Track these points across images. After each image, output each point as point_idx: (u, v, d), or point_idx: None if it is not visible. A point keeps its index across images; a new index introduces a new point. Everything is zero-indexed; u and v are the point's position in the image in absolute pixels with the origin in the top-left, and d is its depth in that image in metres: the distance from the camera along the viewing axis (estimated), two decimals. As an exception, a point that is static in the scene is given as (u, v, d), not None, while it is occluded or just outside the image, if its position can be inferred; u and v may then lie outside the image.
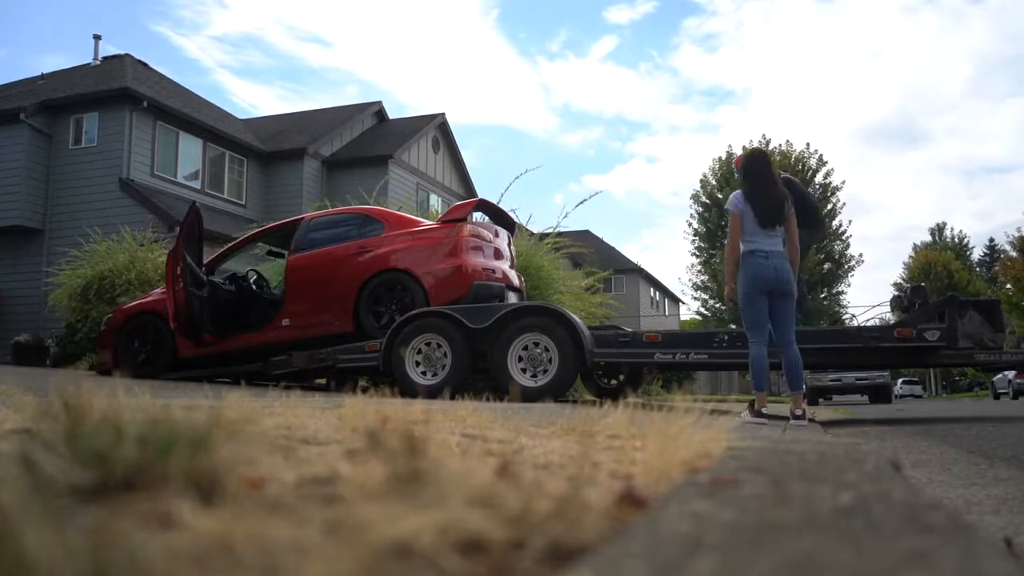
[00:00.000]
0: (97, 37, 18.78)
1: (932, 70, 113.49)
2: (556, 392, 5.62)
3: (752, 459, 1.22)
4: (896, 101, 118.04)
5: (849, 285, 42.25)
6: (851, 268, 31.58)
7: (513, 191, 54.84)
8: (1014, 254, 30.55)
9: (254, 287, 8.13)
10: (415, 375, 5.91)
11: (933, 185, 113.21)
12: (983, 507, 1.84)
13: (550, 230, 12.18)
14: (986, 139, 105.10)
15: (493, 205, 7.73)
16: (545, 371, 5.77)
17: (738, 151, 31.84)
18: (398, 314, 6.31)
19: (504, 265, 7.13)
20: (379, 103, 21.77)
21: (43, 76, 17.70)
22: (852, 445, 1.58)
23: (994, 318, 5.94)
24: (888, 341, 5.77)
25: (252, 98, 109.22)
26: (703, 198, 31.89)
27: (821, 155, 31.72)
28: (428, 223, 7.19)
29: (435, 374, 5.90)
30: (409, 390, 5.62)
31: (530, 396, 5.16)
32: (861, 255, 41.39)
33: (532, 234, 11.79)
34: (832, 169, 32.71)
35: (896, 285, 41.65)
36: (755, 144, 31.89)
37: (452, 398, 4.02)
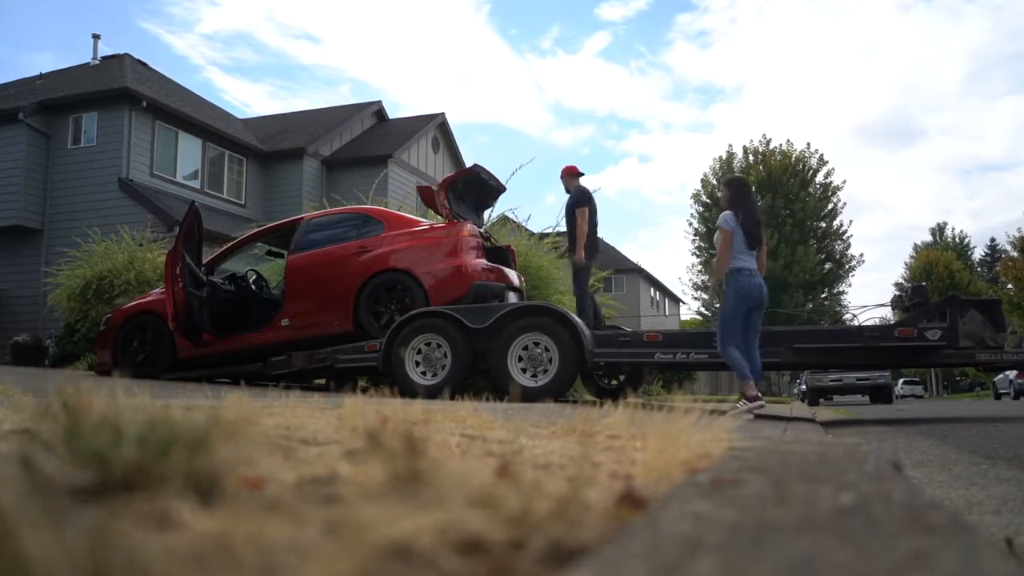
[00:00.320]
0: (96, 36, 18.78)
1: (927, 67, 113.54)
2: (556, 392, 5.62)
3: (753, 459, 1.22)
4: (891, 99, 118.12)
5: (850, 285, 42.25)
6: (852, 268, 31.61)
7: (506, 191, 54.57)
8: (1015, 254, 30.55)
9: (253, 287, 8.13)
10: (415, 375, 5.91)
11: (929, 183, 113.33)
12: (984, 507, 1.84)
13: (550, 230, 12.18)
14: (982, 137, 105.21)
15: (486, 172, 7.28)
16: (545, 371, 5.76)
17: (739, 151, 31.92)
18: (398, 314, 6.31)
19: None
20: (379, 102, 21.78)
21: (41, 76, 17.70)
22: (853, 445, 1.58)
23: (995, 318, 5.93)
24: (889, 341, 5.77)
25: (243, 96, 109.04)
26: (704, 198, 31.89)
27: (822, 155, 31.76)
28: (428, 223, 7.18)
29: (435, 374, 5.90)
30: (409, 390, 5.62)
31: (530, 396, 5.16)
32: (862, 255, 41.43)
33: (532, 234, 11.79)
34: (833, 169, 32.72)
35: (897, 285, 41.69)
36: (756, 144, 31.95)
37: (452, 398, 4.02)
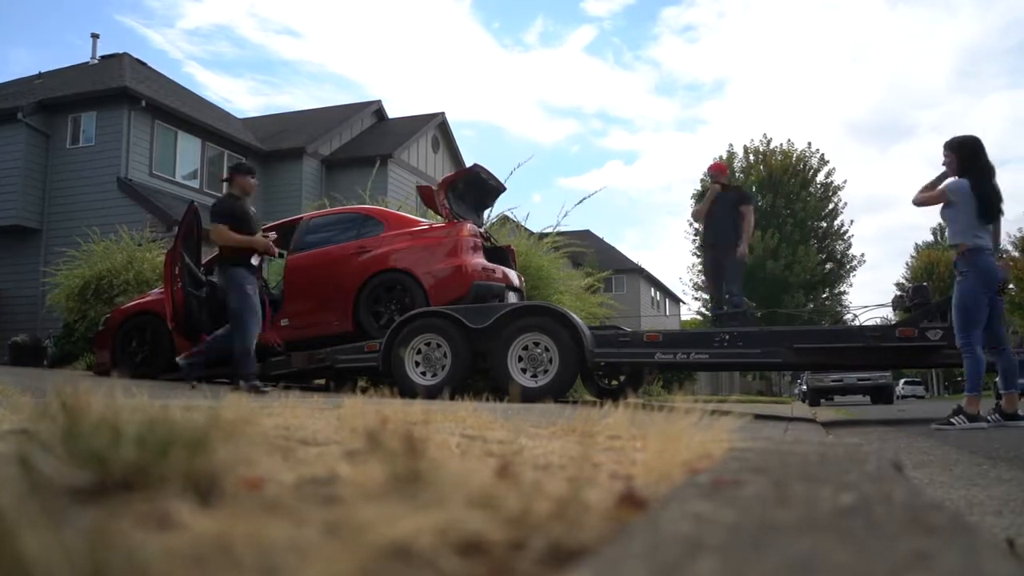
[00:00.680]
0: (95, 36, 18.78)
1: (918, 62, 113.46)
2: (556, 392, 5.62)
3: (753, 460, 1.22)
4: (881, 94, 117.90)
5: (851, 285, 42.22)
6: (853, 268, 31.59)
7: (506, 190, 54.54)
8: (1016, 254, 30.56)
9: (253, 287, 8.11)
10: (415, 375, 5.91)
11: (924, 180, 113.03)
12: (985, 508, 1.84)
13: (550, 229, 12.19)
14: (979, 134, 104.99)
15: (486, 171, 7.27)
16: (545, 371, 5.76)
17: (739, 150, 31.87)
18: (397, 314, 6.30)
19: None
20: (378, 102, 21.76)
21: (40, 75, 17.69)
22: (854, 446, 1.58)
23: None
24: (890, 341, 5.76)
25: (224, 91, 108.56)
26: (704, 197, 31.82)
27: (823, 154, 31.71)
28: (428, 223, 7.18)
29: (435, 374, 5.90)
30: (409, 390, 5.62)
31: (530, 396, 5.16)
32: (863, 255, 41.40)
33: (532, 234, 11.78)
34: (833, 168, 32.70)
35: (899, 285, 41.65)
36: (756, 144, 31.89)
37: (452, 398, 4.02)
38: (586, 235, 28.06)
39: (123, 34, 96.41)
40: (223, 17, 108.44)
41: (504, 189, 7.70)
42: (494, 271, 6.75)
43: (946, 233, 5.08)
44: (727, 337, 6.03)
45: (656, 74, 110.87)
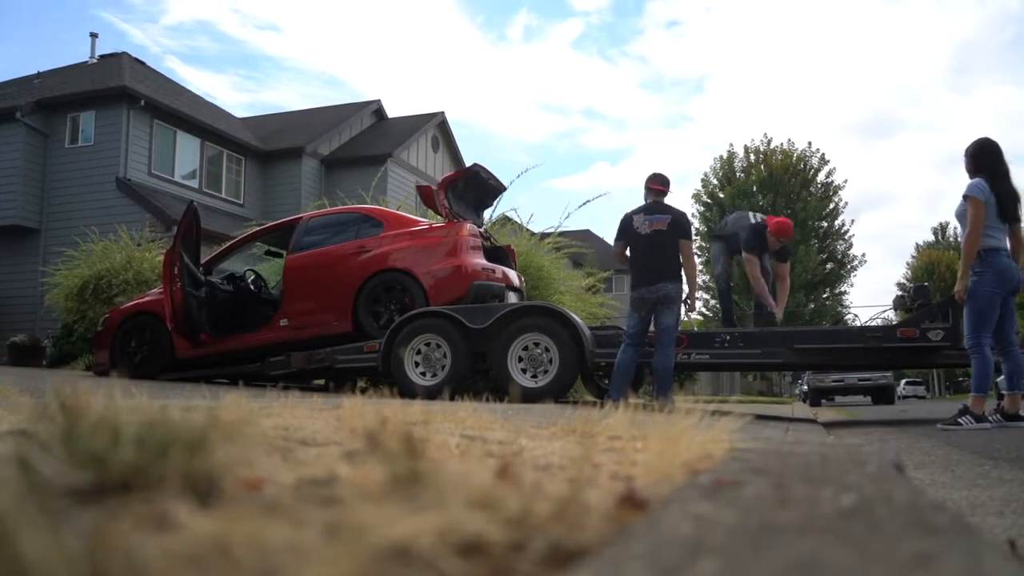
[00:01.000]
0: (94, 35, 18.78)
1: (913, 58, 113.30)
2: (556, 393, 5.61)
3: (754, 460, 1.22)
4: (875, 91, 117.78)
5: (852, 285, 42.16)
6: (854, 268, 31.57)
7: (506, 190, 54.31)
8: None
9: (252, 287, 8.12)
10: (414, 376, 5.90)
11: (923, 179, 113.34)
12: (987, 509, 1.84)
13: (551, 229, 12.19)
14: (965, 129, 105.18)
15: (486, 171, 7.23)
16: (545, 372, 5.76)
17: (740, 150, 31.81)
18: (397, 314, 6.30)
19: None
20: (378, 101, 21.77)
21: (39, 74, 17.69)
22: (854, 447, 1.57)
23: None
24: (891, 341, 5.76)
25: (206, 86, 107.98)
26: (704, 197, 31.80)
27: (823, 154, 31.68)
28: (427, 223, 7.17)
29: (434, 375, 5.89)
30: (408, 391, 5.62)
31: (530, 397, 5.16)
32: (864, 255, 41.35)
33: (532, 234, 11.78)
34: (834, 168, 32.66)
35: (900, 285, 41.61)
36: (758, 143, 31.85)
37: (452, 399, 4.01)
38: (586, 235, 28.04)
39: (101, 29, 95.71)
40: (205, 13, 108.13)
41: (504, 189, 7.70)
42: (494, 271, 6.74)
43: (958, 232, 5.02)
44: (728, 337, 6.03)
45: (645, 70, 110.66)
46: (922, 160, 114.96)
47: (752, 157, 31.60)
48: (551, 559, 0.65)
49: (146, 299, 7.60)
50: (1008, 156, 4.87)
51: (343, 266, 6.68)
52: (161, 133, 15.73)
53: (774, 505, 0.83)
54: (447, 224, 6.69)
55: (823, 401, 19.62)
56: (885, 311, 7.07)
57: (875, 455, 1.32)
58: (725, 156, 31.88)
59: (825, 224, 31.26)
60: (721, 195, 30.74)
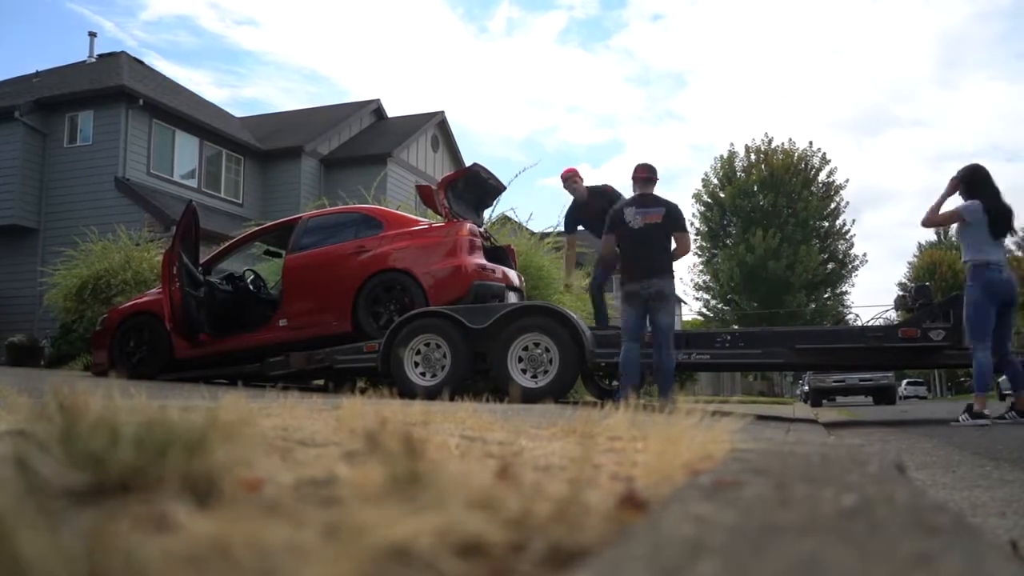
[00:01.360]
0: (93, 35, 18.76)
1: (901, 53, 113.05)
2: (557, 393, 5.61)
3: (755, 461, 1.22)
4: (869, 88, 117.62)
5: (853, 285, 42.11)
6: (855, 268, 31.55)
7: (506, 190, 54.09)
8: (1019, 253, 30.58)
9: (251, 287, 8.11)
10: (414, 376, 5.90)
11: (917, 176, 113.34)
12: (988, 509, 1.84)
13: (551, 229, 12.18)
14: (961, 127, 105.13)
15: (486, 171, 7.20)
16: (545, 372, 5.75)
17: (740, 150, 31.76)
18: (397, 314, 6.29)
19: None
20: (377, 101, 21.76)
21: (37, 74, 17.68)
22: (855, 447, 1.57)
23: None
24: (892, 341, 5.76)
25: (184, 81, 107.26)
26: (705, 197, 31.77)
27: (824, 153, 31.62)
28: (427, 222, 7.17)
29: (434, 375, 5.89)
30: (408, 391, 5.61)
31: (530, 397, 5.16)
32: (865, 255, 41.33)
33: (532, 233, 11.78)
34: (835, 168, 32.63)
35: (901, 285, 41.61)
36: (759, 143, 31.82)
37: (451, 399, 4.01)
38: (586, 235, 27.97)
39: (80, 24, 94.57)
40: (183, 7, 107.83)
41: (504, 188, 7.69)
42: (494, 271, 6.74)
43: (961, 251, 5.56)
44: (728, 338, 6.03)
45: (632, 65, 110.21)
46: (915, 157, 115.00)
47: (753, 156, 31.58)
48: (551, 560, 0.64)
49: (145, 299, 7.60)
50: (1000, 152, 5.17)
51: (343, 266, 6.68)
52: (160, 132, 15.72)
53: (775, 505, 0.82)
54: (447, 224, 6.69)
55: (824, 401, 19.62)
56: (886, 311, 7.07)
57: (876, 455, 1.32)
58: (725, 155, 31.84)
59: (826, 224, 31.25)
60: (722, 195, 30.73)
